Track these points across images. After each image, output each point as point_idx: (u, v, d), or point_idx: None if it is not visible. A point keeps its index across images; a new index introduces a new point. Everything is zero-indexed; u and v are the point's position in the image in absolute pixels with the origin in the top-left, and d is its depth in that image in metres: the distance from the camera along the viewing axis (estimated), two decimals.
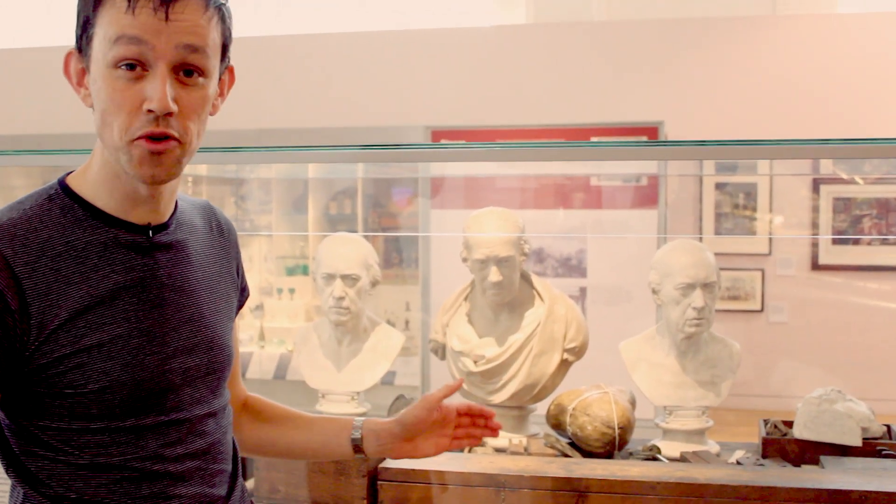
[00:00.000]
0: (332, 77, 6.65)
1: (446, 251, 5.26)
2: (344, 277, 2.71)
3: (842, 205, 6.10)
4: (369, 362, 2.80)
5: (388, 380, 2.90)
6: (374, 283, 2.79)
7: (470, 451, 2.52)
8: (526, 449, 2.50)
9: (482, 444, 2.57)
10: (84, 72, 1.27)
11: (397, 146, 3.12)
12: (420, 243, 5.85)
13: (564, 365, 2.68)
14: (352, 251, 2.76)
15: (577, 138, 5.42)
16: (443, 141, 5.57)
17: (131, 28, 1.18)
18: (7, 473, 1.29)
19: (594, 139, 5.45)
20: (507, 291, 2.64)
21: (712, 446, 2.59)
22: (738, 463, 2.43)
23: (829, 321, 5.96)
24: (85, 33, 1.24)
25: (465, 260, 2.69)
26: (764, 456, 2.47)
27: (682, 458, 2.45)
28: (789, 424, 2.54)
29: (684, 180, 6.12)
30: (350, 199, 6.48)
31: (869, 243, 6.33)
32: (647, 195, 5.30)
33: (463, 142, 5.56)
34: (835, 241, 6.28)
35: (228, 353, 1.41)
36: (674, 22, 6.36)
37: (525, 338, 2.64)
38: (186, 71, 1.22)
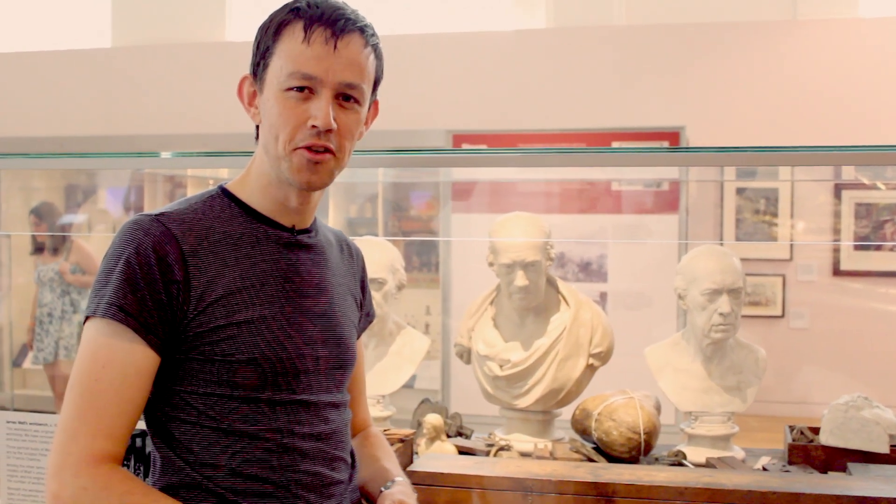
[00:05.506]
0: None
1: (467, 255, 5.26)
2: (370, 281, 2.71)
3: (864, 210, 6.08)
4: (395, 366, 2.81)
5: (408, 383, 2.91)
6: (399, 287, 2.80)
7: (496, 454, 2.53)
8: (552, 453, 2.51)
9: (508, 449, 2.58)
10: (255, 94, 1.49)
11: (419, 151, 3.13)
12: (441, 247, 5.85)
13: (590, 370, 2.68)
14: (378, 255, 2.77)
15: (597, 142, 5.42)
16: (464, 145, 5.58)
17: (305, 65, 1.40)
18: (152, 440, 1.46)
19: (615, 143, 5.44)
20: (533, 296, 2.65)
21: (738, 452, 2.59)
22: (764, 469, 2.42)
23: (851, 327, 5.93)
24: (263, 60, 1.46)
25: (491, 264, 2.70)
26: (790, 462, 2.47)
27: (708, 464, 2.45)
28: (815, 431, 2.54)
29: (705, 185, 6.11)
30: (371, 203, 6.49)
31: (891, 249, 6.30)
32: (668, 200, 5.29)
33: (484, 146, 5.57)
34: (856, 247, 6.25)
35: (353, 353, 1.59)
36: (695, 26, 6.35)
37: (551, 342, 2.65)
38: (345, 97, 1.44)
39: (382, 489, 1.58)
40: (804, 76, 6.12)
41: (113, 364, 1.35)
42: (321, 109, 1.40)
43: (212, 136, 6.40)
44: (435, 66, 6.58)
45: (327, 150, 1.43)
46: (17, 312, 6.51)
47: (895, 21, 6.19)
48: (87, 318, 1.40)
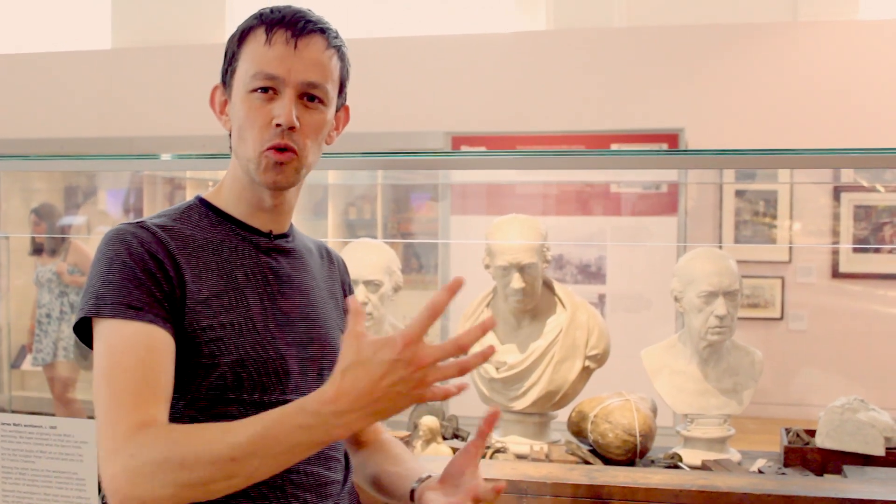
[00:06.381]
0: (352, 82, 6.65)
1: (466, 257, 5.26)
2: (367, 283, 2.72)
3: (863, 213, 6.07)
4: None
5: None
6: (396, 289, 2.81)
7: (491, 457, 2.53)
8: (547, 456, 2.51)
9: (504, 451, 2.58)
10: (226, 102, 1.53)
11: (418, 153, 3.13)
12: (440, 249, 5.85)
13: (586, 372, 2.68)
14: (374, 257, 2.78)
15: (597, 145, 5.42)
16: (463, 147, 5.58)
17: (267, 66, 1.44)
18: None
19: (614, 146, 5.45)
20: (529, 298, 2.65)
21: (734, 454, 2.59)
22: (760, 471, 2.43)
23: (849, 330, 5.93)
24: (230, 67, 1.51)
25: (487, 267, 2.70)
26: (786, 465, 2.47)
27: (704, 467, 2.45)
28: (811, 433, 2.54)
29: (704, 187, 6.11)
30: (370, 205, 6.50)
31: (890, 251, 6.29)
32: (667, 202, 5.29)
33: (483, 148, 5.57)
34: (856, 250, 6.25)
35: (338, 355, 1.52)
36: (694, 28, 6.35)
37: (547, 345, 2.65)
38: (309, 97, 1.47)
39: (420, 477, 1.53)
40: (804, 78, 6.12)
41: (133, 347, 1.33)
42: (284, 108, 1.43)
43: (211, 138, 6.39)
44: (434, 68, 6.58)
45: (290, 150, 1.45)
46: (15, 314, 6.51)
47: (895, 23, 6.19)
48: (82, 319, 1.38)
